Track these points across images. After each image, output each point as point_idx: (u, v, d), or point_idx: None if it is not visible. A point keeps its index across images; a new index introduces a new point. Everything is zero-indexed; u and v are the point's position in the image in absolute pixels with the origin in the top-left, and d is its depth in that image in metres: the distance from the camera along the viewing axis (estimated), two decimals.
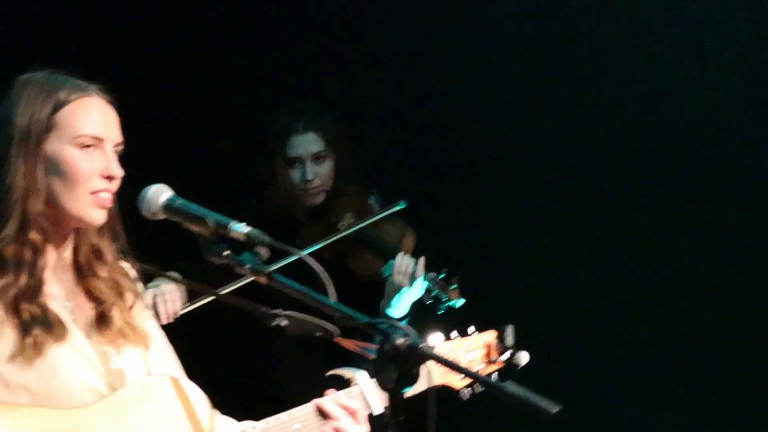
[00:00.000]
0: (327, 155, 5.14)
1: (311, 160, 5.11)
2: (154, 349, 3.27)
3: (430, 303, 4.97)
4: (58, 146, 3.06)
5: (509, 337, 3.53)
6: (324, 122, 5.17)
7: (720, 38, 5.34)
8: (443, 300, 4.96)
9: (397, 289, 4.96)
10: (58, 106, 3.08)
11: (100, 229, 3.18)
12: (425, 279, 4.99)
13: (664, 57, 5.38)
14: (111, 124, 3.14)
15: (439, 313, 4.91)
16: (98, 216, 3.10)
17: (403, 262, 4.98)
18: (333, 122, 5.20)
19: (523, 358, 3.54)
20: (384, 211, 5.15)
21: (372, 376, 2.79)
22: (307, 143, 5.12)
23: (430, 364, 3.27)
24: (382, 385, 2.75)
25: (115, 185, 3.11)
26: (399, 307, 4.95)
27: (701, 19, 5.34)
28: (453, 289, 4.99)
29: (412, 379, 2.73)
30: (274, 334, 4.84)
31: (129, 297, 3.25)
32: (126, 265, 3.28)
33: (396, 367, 2.72)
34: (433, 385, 3.40)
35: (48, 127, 3.06)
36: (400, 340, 2.70)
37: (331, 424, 3.31)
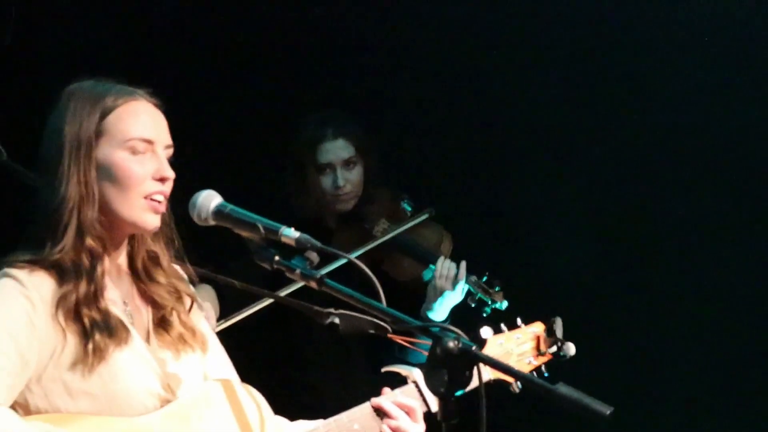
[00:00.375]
0: (357, 161, 5.17)
1: (342, 166, 5.14)
2: (210, 352, 3.29)
3: (474, 306, 4.99)
4: (109, 151, 3.09)
5: (558, 329, 3.54)
6: (353, 128, 5.19)
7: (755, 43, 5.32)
8: (488, 302, 4.99)
9: (440, 292, 4.99)
10: (106, 112, 3.10)
11: (155, 235, 3.21)
12: (467, 282, 5.02)
13: (704, 59, 5.35)
14: (160, 126, 3.15)
15: (484, 315, 4.93)
16: (152, 220, 3.12)
17: (444, 265, 5.02)
18: (361, 128, 5.23)
19: (571, 349, 3.55)
20: (416, 218, 5.17)
21: (424, 381, 2.77)
22: (338, 149, 5.14)
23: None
24: (434, 389, 2.76)
25: (168, 187, 3.13)
26: (440, 310, 4.99)
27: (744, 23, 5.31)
28: (497, 291, 5.02)
29: (465, 382, 2.74)
30: (306, 339, 4.94)
31: (186, 300, 3.29)
32: (178, 268, 3.31)
33: (447, 370, 2.73)
34: (488, 379, 3.42)
35: (97, 134, 3.09)
36: (451, 344, 2.72)
37: (389, 423, 3.34)
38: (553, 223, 5.63)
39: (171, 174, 3.13)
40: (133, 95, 3.15)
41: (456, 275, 5.00)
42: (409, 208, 5.25)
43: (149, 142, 3.11)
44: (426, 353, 2.77)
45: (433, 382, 2.75)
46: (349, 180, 5.14)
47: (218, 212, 3.06)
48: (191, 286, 3.33)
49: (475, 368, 2.72)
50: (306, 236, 2.96)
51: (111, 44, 5.61)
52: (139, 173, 3.08)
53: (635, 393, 5.34)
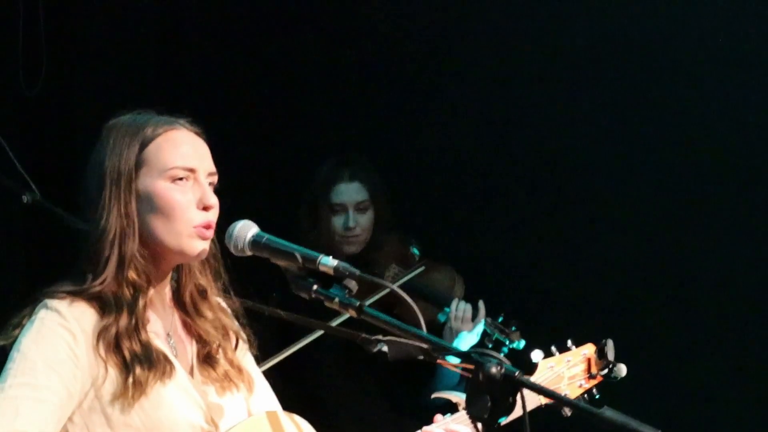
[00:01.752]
0: (369, 206, 5.22)
1: (354, 208, 5.19)
2: (257, 392, 3.25)
3: (491, 347, 4.98)
4: (150, 181, 3.05)
5: (609, 352, 3.48)
6: (369, 173, 5.26)
7: None
8: (506, 342, 5.00)
9: (456, 334, 5.05)
10: (146, 143, 3.07)
11: (203, 267, 3.17)
12: (485, 326, 5.06)
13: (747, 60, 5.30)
14: (201, 154, 3.11)
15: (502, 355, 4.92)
16: (200, 246, 3.06)
17: (459, 307, 5.08)
18: (377, 174, 5.30)
19: (622, 371, 3.49)
20: (416, 269, 5.19)
21: (465, 408, 2.74)
22: (352, 191, 5.20)
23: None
24: (477, 416, 2.71)
25: (213, 215, 3.08)
26: (459, 342, 5.00)
27: None
28: (513, 331, 5.04)
29: (508, 409, 2.69)
30: (320, 382, 4.93)
31: (233, 337, 3.25)
32: (223, 303, 3.27)
33: (490, 396, 2.68)
34: (539, 404, 3.36)
35: (137, 165, 3.05)
36: (494, 369, 2.67)
37: None
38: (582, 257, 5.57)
39: (214, 201, 3.07)
40: (172, 124, 3.11)
41: (473, 316, 5.08)
42: (418, 253, 5.31)
43: (191, 170, 3.07)
44: None
45: (476, 409, 2.70)
46: (360, 223, 5.19)
47: (255, 242, 3.03)
48: (236, 322, 3.28)
49: (519, 394, 2.69)
50: (345, 264, 2.93)
51: (145, 82, 5.62)
52: (181, 202, 3.04)
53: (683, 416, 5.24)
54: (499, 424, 2.70)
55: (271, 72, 5.91)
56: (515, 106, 5.61)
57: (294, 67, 5.91)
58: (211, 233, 3.08)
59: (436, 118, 5.76)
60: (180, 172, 3.05)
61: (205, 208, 3.06)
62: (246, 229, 3.05)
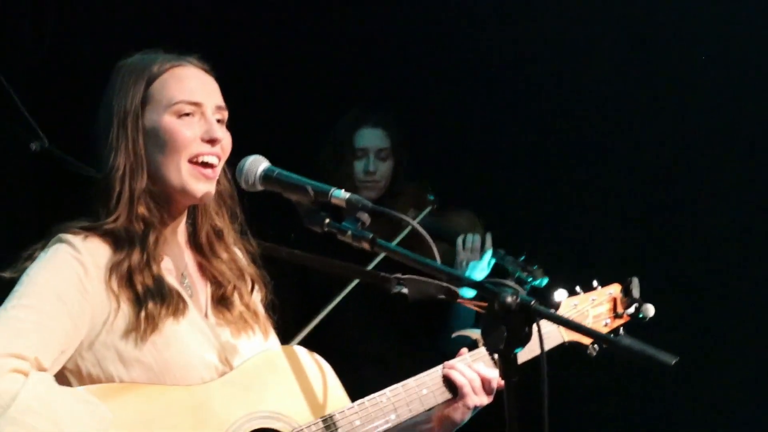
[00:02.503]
0: (389, 155, 5.28)
1: (375, 154, 5.25)
2: (272, 339, 3.23)
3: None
4: (155, 117, 3.02)
5: (635, 290, 3.43)
6: (394, 123, 5.31)
7: None
8: (528, 280, 4.98)
9: (466, 264, 5.10)
10: (152, 80, 3.04)
11: (219, 208, 3.14)
12: (507, 264, 5.02)
13: None
14: (209, 89, 3.07)
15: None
16: (202, 187, 3.02)
17: (468, 239, 5.15)
18: (401, 126, 5.33)
19: (650, 310, 3.43)
20: (427, 209, 5.21)
21: (481, 337, 2.69)
22: (375, 137, 5.27)
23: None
24: (493, 347, 2.66)
25: (219, 150, 3.04)
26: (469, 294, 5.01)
27: None
28: (535, 269, 5.01)
29: (524, 339, 2.63)
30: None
31: (248, 280, 3.22)
32: (238, 252, 3.23)
33: (506, 327, 2.63)
34: (562, 341, 3.34)
35: (143, 102, 3.03)
36: (509, 299, 2.61)
37: (461, 390, 3.22)
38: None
39: (221, 135, 3.03)
40: (179, 61, 3.08)
41: (483, 244, 5.13)
42: (433, 198, 5.33)
43: (197, 104, 3.03)
44: None
45: (492, 339, 2.64)
46: (380, 169, 5.24)
47: (266, 176, 2.99)
48: (253, 265, 3.24)
49: (535, 324, 2.65)
50: (357, 196, 2.89)
51: (155, 25, 5.55)
52: (186, 135, 3.00)
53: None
54: (515, 354, 2.66)
55: (296, 15, 5.86)
56: (522, 54, 5.57)
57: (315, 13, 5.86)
58: (214, 174, 3.04)
59: (458, 68, 5.73)
60: (185, 107, 3.02)
61: (211, 142, 3.03)
62: (257, 164, 3.01)
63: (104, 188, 3.02)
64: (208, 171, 3.04)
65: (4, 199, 4.98)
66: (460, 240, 5.17)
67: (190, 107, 3.03)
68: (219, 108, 3.07)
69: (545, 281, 4.98)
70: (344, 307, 4.98)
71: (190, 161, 3.02)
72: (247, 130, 3.16)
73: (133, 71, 3.07)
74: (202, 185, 3.03)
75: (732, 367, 5.23)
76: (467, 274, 5.02)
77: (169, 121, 3.02)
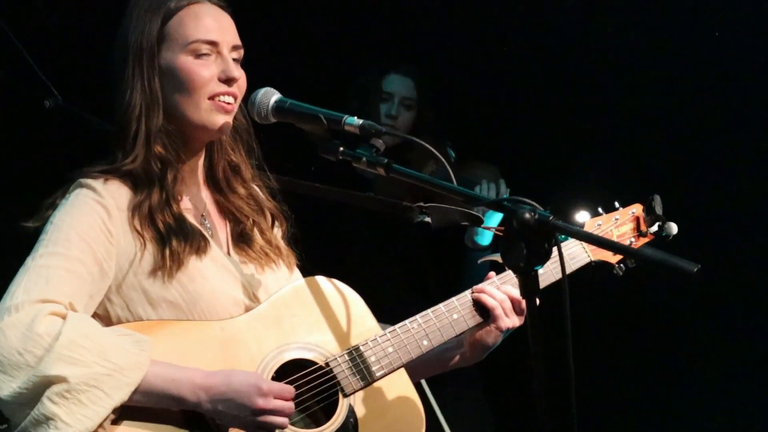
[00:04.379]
0: (414, 106, 5.28)
1: (401, 101, 5.25)
2: (296, 271, 3.22)
3: None
4: (172, 56, 3.00)
5: (658, 207, 3.39)
6: (423, 76, 5.31)
7: None
8: None
9: (483, 213, 5.02)
10: (168, 17, 3.02)
11: (235, 143, 3.13)
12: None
13: None
14: (225, 27, 3.04)
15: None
16: (221, 120, 3.01)
17: (483, 187, 5.14)
18: (430, 80, 5.34)
19: (673, 228, 3.40)
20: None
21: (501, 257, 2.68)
22: (403, 85, 5.27)
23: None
24: (513, 264, 2.65)
25: (236, 89, 3.02)
26: (485, 233, 4.99)
27: None
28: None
29: (544, 256, 2.61)
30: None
31: (269, 215, 3.21)
32: (257, 186, 3.22)
33: (525, 244, 2.61)
34: (589, 261, 3.32)
35: (159, 40, 3.01)
36: (527, 215, 2.59)
37: (492, 312, 3.20)
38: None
39: (238, 74, 3.02)
40: None
41: (499, 191, 5.12)
42: (453, 154, 5.35)
43: (213, 43, 3.01)
44: None
45: (512, 258, 2.63)
46: (402, 116, 5.25)
47: (278, 108, 2.98)
48: (272, 200, 3.23)
49: (554, 241, 2.63)
50: (370, 122, 2.87)
51: None
52: (203, 75, 2.99)
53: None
54: (536, 271, 2.64)
55: None
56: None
57: None
58: (233, 107, 3.03)
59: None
60: (202, 46, 3.00)
61: (228, 81, 3.01)
62: (268, 96, 3.00)
63: (120, 128, 3.01)
64: (228, 106, 3.02)
65: (20, 157, 4.98)
66: (477, 189, 5.16)
67: (207, 47, 3.01)
68: (235, 47, 3.05)
69: None
70: (360, 263, 5.00)
71: (209, 98, 3.00)
72: (270, 74, 3.14)
73: (149, 7, 3.04)
74: (221, 117, 3.02)
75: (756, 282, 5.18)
76: (487, 217, 5.00)
77: (185, 60, 3.00)
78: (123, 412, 2.81)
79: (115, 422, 2.81)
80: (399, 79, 5.27)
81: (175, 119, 3.03)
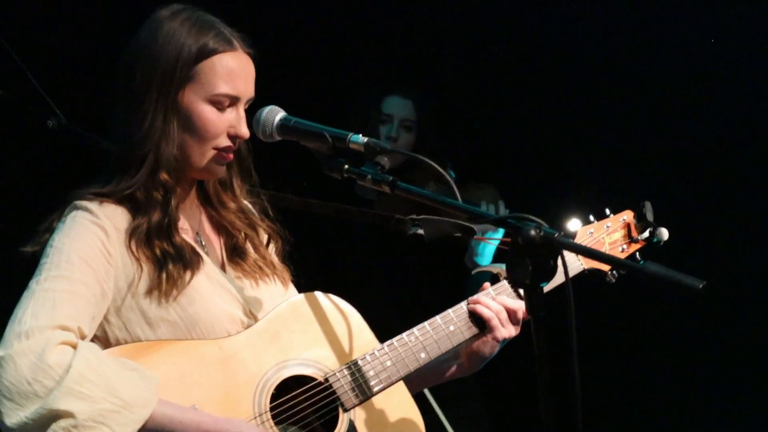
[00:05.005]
0: (413, 127, 5.27)
1: (400, 122, 5.25)
2: (292, 289, 3.24)
3: None
4: (195, 99, 3.00)
5: (648, 213, 3.41)
6: (423, 97, 5.33)
7: None
8: None
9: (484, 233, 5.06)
10: (203, 55, 3.00)
11: (228, 164, 3.13)
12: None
13: None
14: (249, 81, 3.06)
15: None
16: (218, 171, 3.07)
17: (482, 209, 5.11)
18: (431, 104, 5.34)
19: (664, 234, 3.42)
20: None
21: (506, 273, 2.69)
22: (403, 107, 5.27)
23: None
24: (518, 281, 2.66)
25: (239, 144, 3.07)
26: (485, 253, 5.01)
27: None
28: None
29: (549, 273, 2.63)
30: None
31: (263, 233, 3.23)
32: (249, 204, 3.24)
33: (531, 260, 2.62)
34: (582, 269, 3.33)
35: (190, 77, 3.00)
36: (533, 232, 2.60)
37: (488, 323, 3.20)
38: None
39: (246, 133, 3.04)
40: (231, 44, 3.04)
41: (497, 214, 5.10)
42: (454, 175, 5.33)
43: (235, 98, 3.02)
44: None
45: (517, 274, 2.64)
46: (402, 138, 5.24)
47: (283, 126, 3.00)
48: (266, 219, 3.25)
49: (560, 256, 2.64)
50: (375, 140, 2.88)
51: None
52: (217, 128, 3.01)
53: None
54: (542, 288, 2.65)
55: None
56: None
57: None
58: (231, 157, 3.07)
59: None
60: (224, 99, 3.01)
61: (235, 138, 3.04)
62: (273, 114, 3.02)
63: (128, 148, 3.01)
64: (228, 156, 3.06)
65: (23, 177, 4.98)
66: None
67: (228, 101, 3.02)
68: (250, 99, 3.08)
69: None
70: (360, 282, 5.00)
71: (214, 148, 3.03)
72: (272, 95, 3.15)
73: (188, 32, 3.02)
74: (219, 169, 3.07)
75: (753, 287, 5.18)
76: (481, 247, 5.00)
77: (205, 110, 3.01)
78: None
79: None
80: (399, 101, 5.28)
81: (180, 153, 3.04)
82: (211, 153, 3.03)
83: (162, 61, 2.99)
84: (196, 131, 3.01)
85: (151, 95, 2.99)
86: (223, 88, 3.01)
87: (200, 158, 3.03)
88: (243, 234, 3.18)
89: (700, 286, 2.51)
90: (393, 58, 5.77)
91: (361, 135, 2.90)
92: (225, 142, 3.03)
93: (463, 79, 5.79)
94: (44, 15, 5.10)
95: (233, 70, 3.03)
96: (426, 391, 4.60)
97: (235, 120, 3.03)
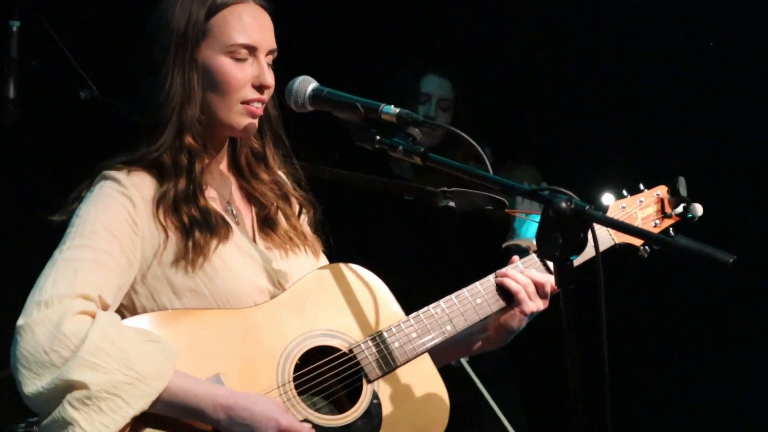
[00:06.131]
0: (451, 107, 5.31)
1: (438, 102, 5.28)
2: (323, 259, 3.23)
3: None
4: (211, 54, 3.02)
5: (682, 188, 3.38)
6: (462, 77, 5.36)
7: None
8: None
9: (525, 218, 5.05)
10: (212, 12, 3.02)
11: (261, 133, 3.14)
12: None
13: None
14: (265, 31, 3.06)
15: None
16: (248, 124, 3.04)
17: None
18: (467, 81, 5.37)
19: (698, 209, 3.39)
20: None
21: (536, 245, 2.68)
22: (441, 86, 5.32)
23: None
24: (548, 254, 2.65)
25: (267, 94, 3.05)
26: (528, 233, 4.99)
27: None
28: None
29: (580, 246, 2.61)
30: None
31: (295, 203, 3.22)
32: (283, 174, 3.23)
33: (561, 233, 2.62)
34: (613, 244, 3.30)
35: (203, 33, 3.01)
36: (563, 205, 2.60)
37: (516, 296, 3.18)
38: None
39: (271, 82, 3.04)
40: None
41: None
42: (490, 156, 5.30)
43: (252, 48, 3.02)
44: None
45: (547, 247, 2.63)
46: (439, 117, 5.27)
47: (315, 96, 2.99)
48: (298, 189, 3.24)
49: (590, 230, 2.63)
50: (407, 111, 2.88)
51: None
52: (238, 80, 3.01)
53: None
54: (571, 261, 2.65)
55: None
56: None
57: None
58: (261, 111, 3.06)
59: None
60: (241, 50, 3.01)
61: (261, 87, 3.03)
62: (306, 84, 3.02)
63: (153, 115, 3.02)
64: (256, 110, 3.05)
65: (56, 148, 5.01)
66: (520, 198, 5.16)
67: (245, 51, 3.02)
68: (271, 51, 3.07)
69: None
70: (391, 255, 5.02)
71: (242, 102, 3.03)
72: (308, 73, 3.14)
73: None
74: (248, 120, 3.05)
75: None
76: (525, 227, 5.00)
77: (223, 62, 3.02)
78: (143, 422, 2.82)
79: (133, 430, 2.82)
80: (437, 80, 5.31)
81: (206, 113, 3.04)
82: (239, 107, 3.02)
83: (174, 25, 3.02)
84: (218, 86, 3.01)
85: (169, 59, 3.01)
86: (238, 38, 3.01)
87: (227, 113, 3.03)
88: (275, 206, 3.17)
89: (731, 260, 2.50)
90: (430, 35, 5.76)
91: (393, 106, 2.89)
92: (251, 93, 3.03)
93: (499, 57, 5.78)
94: None
95: (246, 20, 3.04)
96: (467, 366, 4.61)
97: (258, 70, 3.03)
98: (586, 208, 2.61)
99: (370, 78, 5.51)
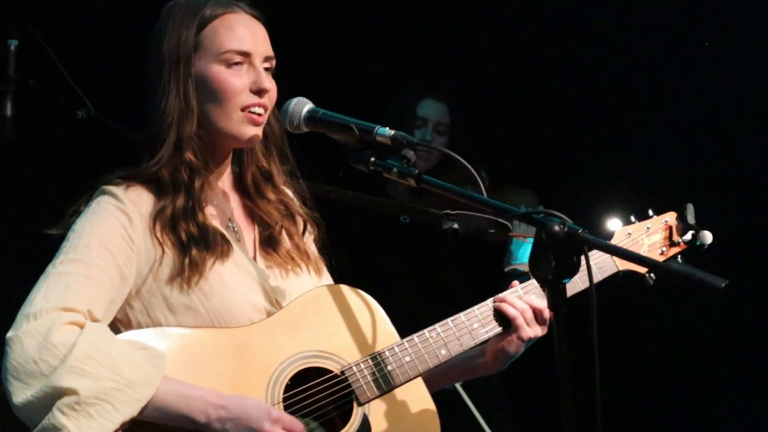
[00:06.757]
0: (447, 131, 5.32)
1: (434, 126, 5.29)
2: (325, 278, 3.23)
3: None
4: (205, 65, 3.03)
5: (690, 216, 3.35)
6: (458, 101, 5.37)
7: None
8: None
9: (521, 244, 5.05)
10: (203, 25, 3.04)
11: (267, 150, 3.14)
12: None
13: None
14: (258, 37, 3.07)
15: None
16: (251, 132, 3.03)
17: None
18: (464, 105, 5.38)
19: (707, 237, 3.36)
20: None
21: (529, 268, 2.69)
22: (437, 110, 5.32)
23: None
24: (541, 277, 2.65)
25: (267, 100, 3.04)
26: (524, 258, 4.99)
27: None
28: None
29: (572, 269, 2.61)
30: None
31: (300, 222, 3.22)
32: (290, 192, 3.24)
33: (554, 256, 2.62)
34: (616, 271, 3.29)
35: (195, 47, 3.03)
36: (556, 228, 2.60)
37: (513, 322, 3.16)
38: None
39: (269, 85, 3.04)
40: (230, 7, 3.07)
41: None
42: (486, 179, 5.31)
43: (246, 54, 3.03)
44: None
45: (540, 270, 2.63)
46: (435, 141, 5.26)
47: (310, 117, 3.00)
48: (304, 207, 3.25)
49: (583, 253, 2.64)
50: (402, 133, 2.89)
51: None
52: (235, 86, 3.01)
53: None
54: (564, 284, 2.65)
55: None
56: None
57: None
58: (263, 118, 3.05)
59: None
60: (234, 57, 3.02)
61: (259, 92, 3.03)
62: (301, 105, 3.02)
63: (152, 134, 3.03)
64: (258, 117, 3.05)
65: (53, 167, 5.02)
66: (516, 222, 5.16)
67: (239, 57, 3.03)
68: (267, 57, 3.08)
69: None
70: (390, 277, 5.01)
71: (241, 109, 3.03)
72: (304, 95, 3.15)
73: (185, 14, 3.07)
74: (251, 129, 3.04)
75: None
76: (522, 251, 4.99)
77: (218, 70, 3.03)
78: (133, 427, 2.83)
79: None
80: (433, 104, 5.32)
81: (206, 127, 3.05)
82: (239, 114, 3.03)
83: (167, 43, 3.04)
84: (215, 95, 3.02)
85: (164, 76, 3.03)
86: (230, 44, 3.03)
87: (228, 122, 3.03)
88: (279, 225, 3.16)
89: (722, 285, 2.51)
90: (427, 59, 5.78)
91: (388, 128, 2.90)
92: (249, 98, 3.03)
93: (496, 81, 5.79)
94: (76, 7, 5.13)
95: (237, 28, 3.05)
96: (461, 390, 4.60)
97: (254, 75, 3.04)
98: (579, 231, 2.61)
99: (368, 102, 5.51)
